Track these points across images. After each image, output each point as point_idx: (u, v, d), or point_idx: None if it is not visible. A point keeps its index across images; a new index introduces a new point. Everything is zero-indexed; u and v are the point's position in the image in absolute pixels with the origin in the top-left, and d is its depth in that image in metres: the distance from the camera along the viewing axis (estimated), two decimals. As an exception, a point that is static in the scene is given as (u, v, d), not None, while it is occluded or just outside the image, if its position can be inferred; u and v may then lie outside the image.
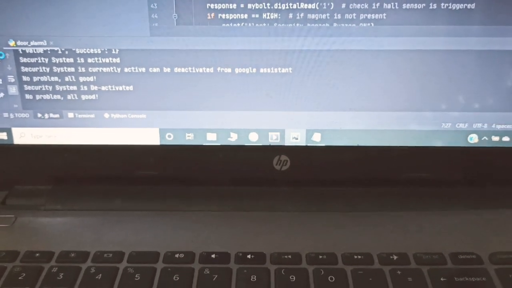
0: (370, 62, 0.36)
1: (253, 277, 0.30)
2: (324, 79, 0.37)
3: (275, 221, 0.36)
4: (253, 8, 0.35)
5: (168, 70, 0.37)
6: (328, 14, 0.35)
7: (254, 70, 0.36)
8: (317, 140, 0.38)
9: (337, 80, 0.36)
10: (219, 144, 0.38)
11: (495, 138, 0.37)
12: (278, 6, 0.35)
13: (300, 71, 0.36)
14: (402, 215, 0.36)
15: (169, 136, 0.38)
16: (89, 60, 0.36)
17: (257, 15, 0.35)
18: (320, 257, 0.32)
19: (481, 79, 0.36)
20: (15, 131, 0.38)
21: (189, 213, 0.37)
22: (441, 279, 0.30)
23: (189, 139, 0.38)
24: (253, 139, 0.38)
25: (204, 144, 0.38)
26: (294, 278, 0.30)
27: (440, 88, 0.36)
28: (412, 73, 0.36)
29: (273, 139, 0.38)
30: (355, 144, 0.38)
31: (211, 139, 0.38)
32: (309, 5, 0.35)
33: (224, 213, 0.37)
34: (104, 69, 0.37)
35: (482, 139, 0.37)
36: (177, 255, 0.32)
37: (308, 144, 0.38)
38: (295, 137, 0.38)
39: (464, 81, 0.36)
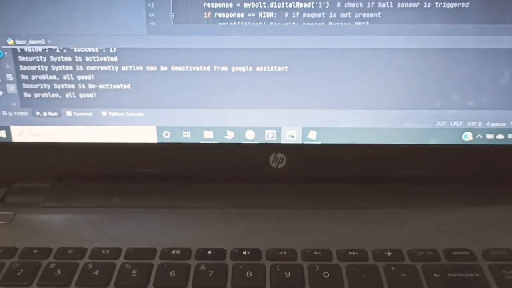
0: (366, 60, 0.36)
1: (249, 273, 0.31)
2: (320, 78, 0.37)
3: (271, 218, 0.36)
4: (249, 7, 0.35)
5: (165, 68, 0.37)
6: (323, 13, 0.35)
7: (251, 68, 0.37)
8: (313, 138, 0.38)
9: (333, 79, 0.37)
10: (216, 142, 0.39)
11: (489, 136, 0.38)
12: (274, 5, 0.35)
13: (296, 69, 0.37)
14: (397, 212, 0.36)
15: (166, 134, 0.39)
16: (87, 59, 0.37)
17: (253, 14, 0.35)
18: (315, 253, 0.32)
19: (476, 78, 0.36)
20: (14, 129, 0.38)
21: (186, 210, 0.37)
22: (435, 275, 0.30)
23: (186, 137, 0.39)
24: (250, 137, 0.38)
25: (201, 142, 0.39)
26: (289, 274, 0.31)
27: (435, 86, 0.37)
28: (407, 72, 0.36)
29: (270, 137, 0.39)
30: (351, 142, 0.38)
31: (208, 137, 0.39)
32: (305, 4, 0.35)
33: (220, 210, 0.37)
34: (102, 68, 0.37)
35: (477, 137, 0.38)
36: (173, 252, 0.32)
37: (304, 142, 0.39)
38: (291, 135, 0.38)
39: (458, 79, 0.36)
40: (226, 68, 0.37)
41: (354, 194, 0.38)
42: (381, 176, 0.39)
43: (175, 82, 0.37)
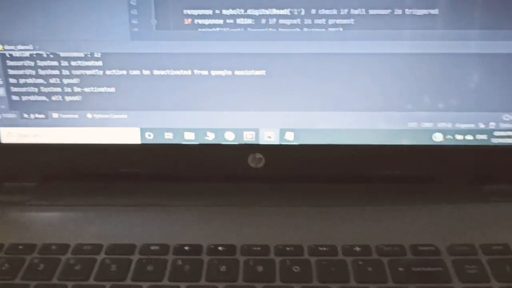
0: (340, 64, 0.38)
1: (223, 267, 0.32)
2: (296, 81, 0.38)
3: (248, 216, 0.37)
4: (228, 14, 0.37)
5: (148, 72, 0.38)
6: (299, 20, 0.37)
7: (230, 72, 0.38)
8: (290, 139, 0.40)
9: (309, 82, 0.38)
10: (196, 143, 0.40)
11: (459, 137, 0.39)
12: (252, 12, 0.37)
13: (273, 73, 0.38)
14: (368, 210, 0.38)
15: (149, 135, 0.40)
16: (73, 63, 0.38)
17: (232, 21, 0.37)
18: (288, 249, 0.34)
19: (445, 81, 0.38)
20: (3, 131, 0.40)
21: (167, 208, 0.38)
22: (400, 269, 0.32)
23: (168, 138, 0.40)
24: (229, 138, 0.40)
25: (182, 143, 0.40)
26: (262, 268, 0.32)
27: (406, 89, 0.38)
28: (379, 75, 0.38)
29: (248, 138, 0.40)
30: (326, 143, 0.40)
31: (189, 138, 0.40)
32: (281, 11, 0.37)
33: (200, 208, 0.38)
34: (87, 72, 0.39)
35: (446, 137, 0.39)
36: (152, 247, 0.34)
37: (282, 143, 0.40)
38: (269, 136, 0.40)
39: (428, 82, 0.38)
40: (206, 72, 0.38)
41: (329, 192, 0.40)
42: (355, 176, 0.40)
43: (158, 86, 0.39)
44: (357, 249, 0.34)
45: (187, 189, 0.40)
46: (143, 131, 0.40)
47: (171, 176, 0.41)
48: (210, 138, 0.40)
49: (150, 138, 0.40)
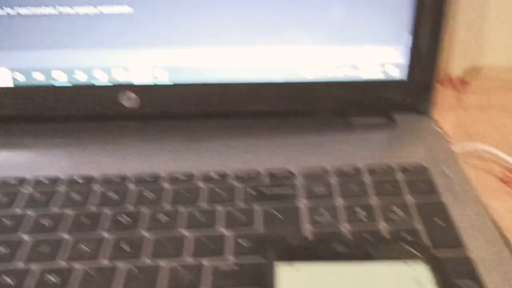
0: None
1: (76, 195, 0.33)
2: (164, 17, 0.38)
3: (114, 151, 0.38)
4: (90, -51, 0.36)
5: (13, 11, 0.38)
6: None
7: (96, 10, 0.38)
8: (162, 77, 0.40)
9: (176, 18, 0.38)
10: (68, 82, 0.40)
11: (327, 72, 0.40)
12: None
13: (140, 10, 0.38)
14: (235, 143, 0.38)
15: (20, 77, 0.40)
16: None
17: (94, -43, 0.37)
18: (146, 178, 0.34)
19: (309, 14, 0.39)
20: None
21: (36, 146, 0.38)
22: (249, 190, 0.33)
23: (39, 79, 0.40)
24: (100, 77, 0.40)
25: (53, 83, 0.40)
26: (115, 195, 0.33)
27: (273, 23, 0.39)
28: (245, 9, 0.38)
29: (120, 77, 0.40)
30: (200, 82, 0.40)
31: (60, 78, 0.40)
32: None
33: (69, 147, 0.39)
34: (-48, 11, 0.38)
35: (316, 73, 0.40)
36: (9, 180, 0.34)
37: (154, 81, 0.40)
38: (141, 75, 0.40)
39: (293, 16, 0.38)
40: (72, 10, 0.38)
41: (200, 128, 0.40)
42: (227, 112, 0.41)
43: (24, 25, 0.38)
44: (214, 175, 0.34)
45: (58, 129, 0.40)
46: (13, 72, 0.39)
47: (43, 117, 0.41)
48: (81, 77, 0.40)
49: (20, 79, 0.40)
